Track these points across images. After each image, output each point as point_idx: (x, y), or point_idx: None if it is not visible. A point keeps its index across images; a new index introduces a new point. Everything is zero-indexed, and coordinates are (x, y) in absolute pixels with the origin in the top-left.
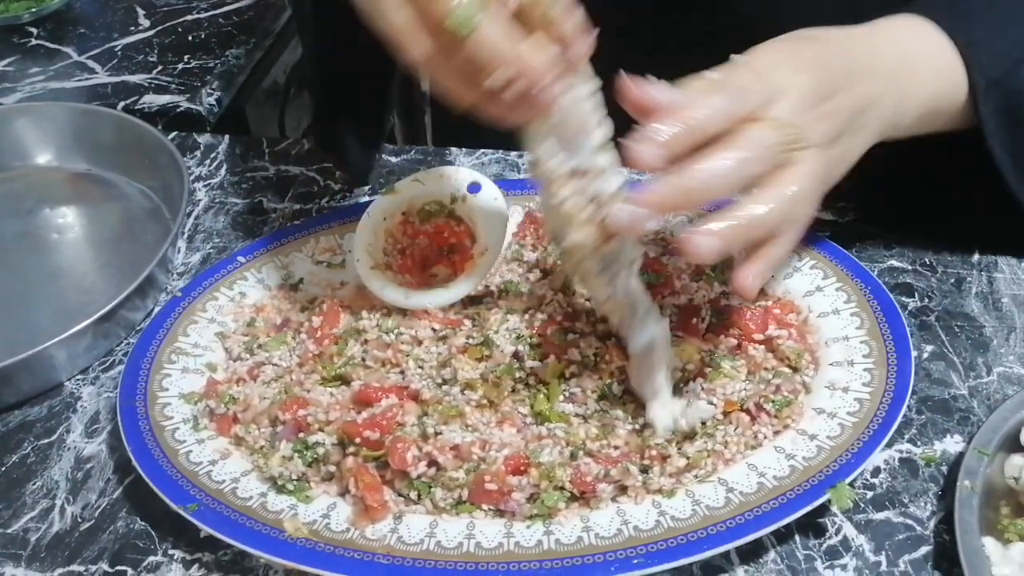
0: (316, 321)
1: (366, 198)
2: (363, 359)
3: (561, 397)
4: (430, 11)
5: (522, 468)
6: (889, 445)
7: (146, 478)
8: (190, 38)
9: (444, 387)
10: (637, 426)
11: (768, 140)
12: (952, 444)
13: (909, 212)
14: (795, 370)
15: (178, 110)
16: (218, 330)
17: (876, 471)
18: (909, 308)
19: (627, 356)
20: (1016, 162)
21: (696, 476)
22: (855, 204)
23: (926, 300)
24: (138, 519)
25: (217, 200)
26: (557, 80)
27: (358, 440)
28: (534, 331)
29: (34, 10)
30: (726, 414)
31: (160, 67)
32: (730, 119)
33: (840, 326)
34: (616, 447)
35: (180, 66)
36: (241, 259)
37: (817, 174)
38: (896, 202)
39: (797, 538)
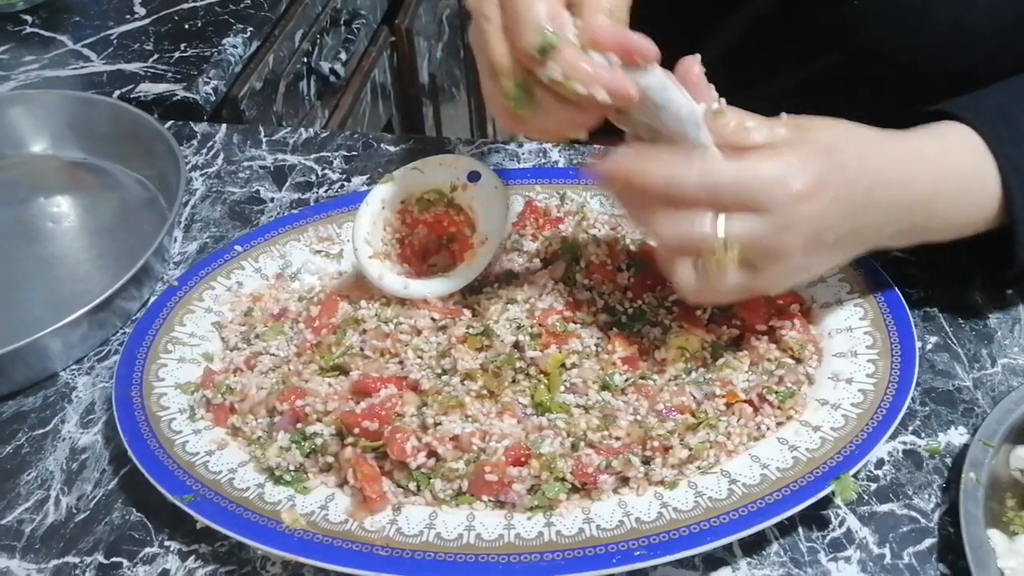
0: (314, 311)
1: (364, 187)
2: (362, 349)
3: (562, 387)
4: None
5: (523, 459)
6: (893, 437)
7: (142, 469)
8: (186, 26)
9: (444, 377)
10: (639, 417)
11: (699, 232)
12: (956, 436)
13: None
14: (798, 361)
15: (174, 99)
16: (215, 320)
17: (880, 463)
18: (913, 299)
19: (629, 345)
20: None
21: (699, 467)
22: None
23: (930, 291)
24: (134, 510)
25: (214, 189)
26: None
27: (356, 430)
28: (535, 321)
29: None
30: (729, 405)
31: (156, 56)
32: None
33: (844, 317)
34: (617, 438)
35: (176, 55)
36: (238, 248)
37: (709, 288)
38: None
39: (800, 530)
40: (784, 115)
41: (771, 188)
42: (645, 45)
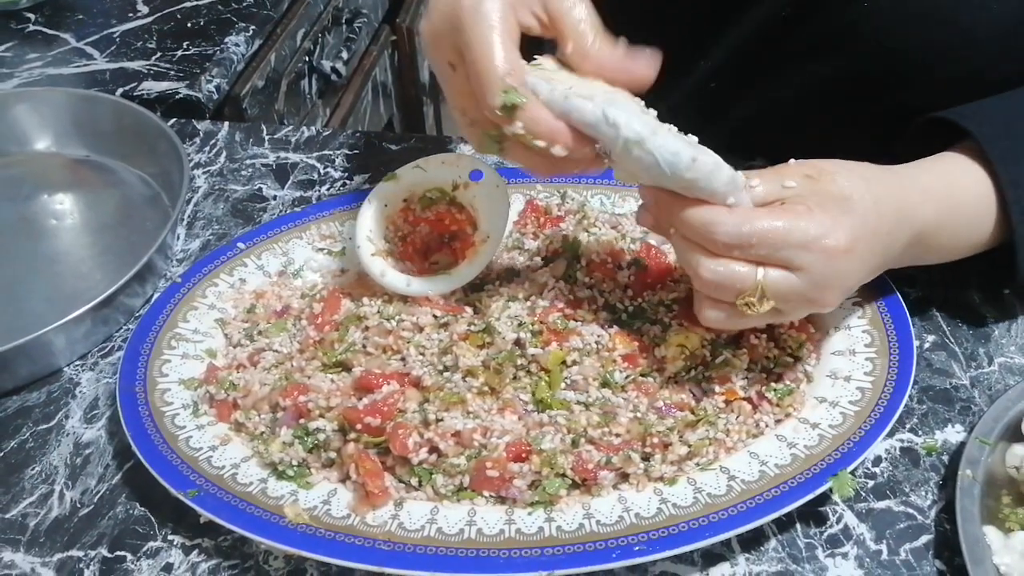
0: (317, 308)
1: (366, 185)
2: (364, 346)
3: (562, 384)
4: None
5: (523, 455)
6: (890, 434)
7: (146, 463)
8: (189, 25)
9: (445, 374)
10: (639, 414)
11: (739, 282)
12: (953, 434)
13: None
14: (797, 359)
15: (177, 97)
16: (218, 316)
17: (877, 460)
18: (911, 297)
19: (629, 343)
20: None
21: (698, 464)
22: None
23: (928, 290)
24: (137, 504)
25: (216, 187)
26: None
27: (359, 426)
28: (536, 318)
29: None
30: (728, 402)
31: (159, 54)
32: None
33: (842, 315)
34: (617, 435)
35: (179, 53)
36: (241, 246)
37: (743, 323)
38: None
39: (798, 526)
40: (792, 161)
41: (808, 249)
42: (644, 70)
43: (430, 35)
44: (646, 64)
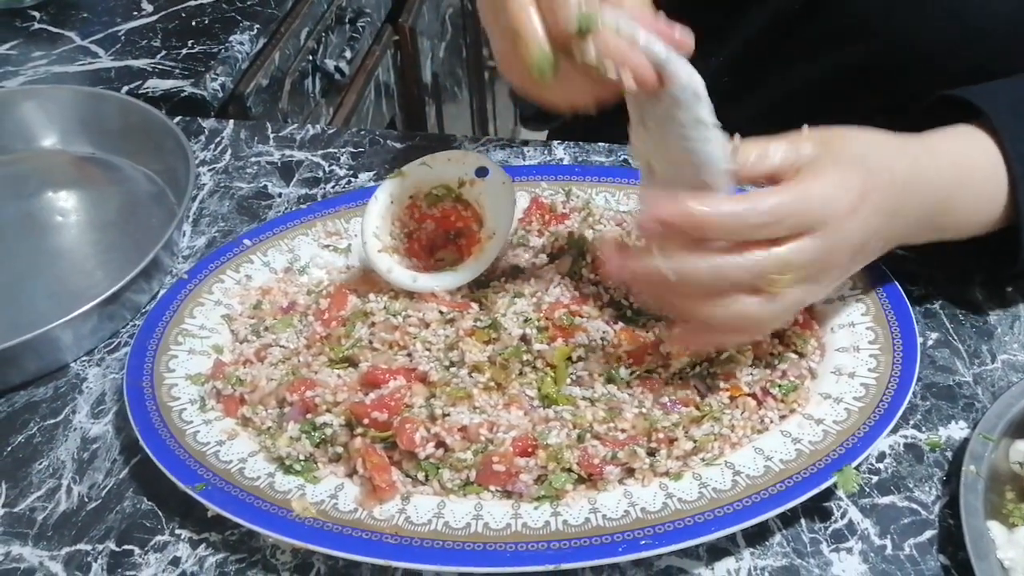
0: (323, 304)
1: (371, 183)
2: (370, 341)
3: (568, 380)
4: (555, 19)
5: (530, 450)
6: (895, 431)
7: (153, 458)
8: (193, 23)
9: (452, 369)
10: (644, 409)
11: (759, 266)
12: (957, 430)
13: None
14: (801, 356)
15: (182, 95)
16: (224, 312)
17: (881, 456)
18: (914, 295)
19: (635, 339)
20: None
21: (703, 459)
22: None
23: (931, 288)
24: (145, 499)
25: (222, 184)
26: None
27: (366, 421)
28: (541, 314)
29: None
30: (733, 398)
31: (164, 52)
32: (743, 238)
33: (846, 312)
34: (623, 430)
35: (184, 51)
36: (247, 242)
37: (775, 313)
38: None
39: (803, 521)
40: (806, 128)
41: (823, 209)
42: (685, 36)
43: None
44: (685, 33)
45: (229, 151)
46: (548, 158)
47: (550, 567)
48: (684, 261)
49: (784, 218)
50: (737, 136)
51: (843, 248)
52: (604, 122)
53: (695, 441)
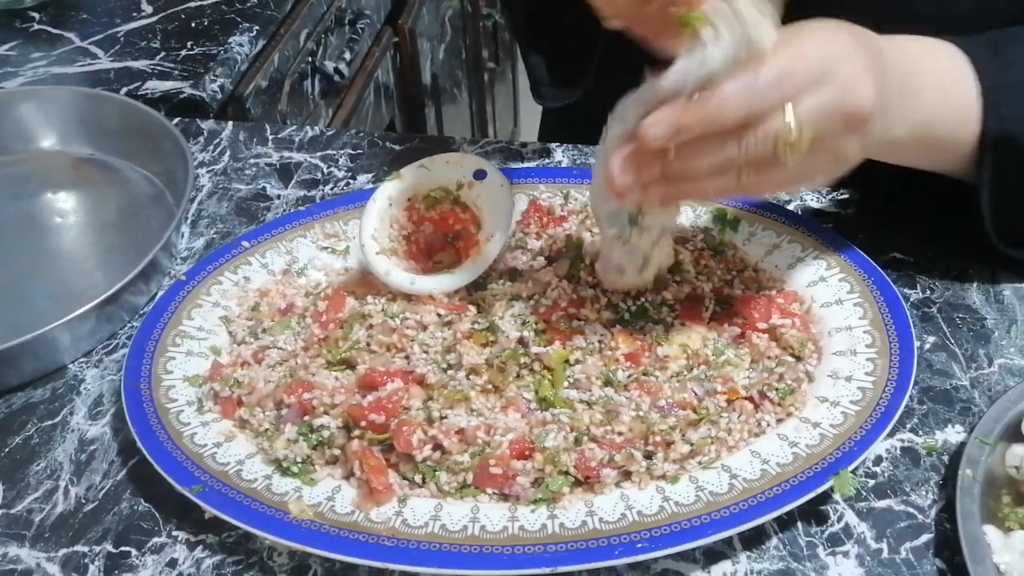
0: (321, 305)
1: (370, 185)
2: (368, 344)
3: (566, 383)
4: None
5: (527, 453)
6: (891, 434)
7: (151, 459)
8: (193, 25)
9: (449, 372)
10: (641, 412)
11: (774, 127)
12: (953, 434)
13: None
14: (798, 359)
15: (181, 96)
16: (222, 314)
17: (878, 460)
18: (911, 299)
19: (632, 342)
20: (999, 221)
21: (700, 462)
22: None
23: (928, 292)
24: (142, 500)
25: (220, 186)
26: None
27: (363, 423)
28: (539, 317)
29: None
30: (730, 402)
31: (163, 53)
32: (749, 115)
33: (843, 316)
34: (620, 433)
35: (183, 53)
36: (245, 244)
37: (785, 179)
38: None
39: (799, 525)
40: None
41: (824, 59)
42: None
43: None
44: None
45: (228, 152)
46: (546, 161)
47: (547, 570)
48: (710, 150)
49: (790, 74)
50: None
51: (857, 89)
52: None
53: (692, 444)
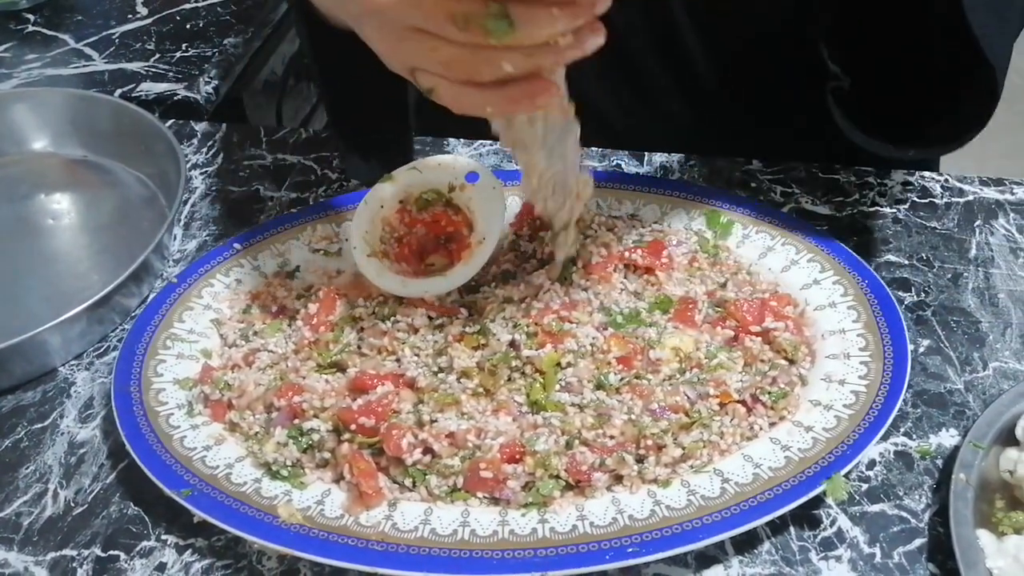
0: (312, 308)
1: (363, 187)
2: (359, 346)
3: (557, 386)
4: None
5: (517, 456)
6: (884, 438)
7: (140, 463)
8: (188, 26)
9: (440, 375)
10: (633, 416)
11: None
12: (947, 438)
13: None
14: (791, 362)
15: (175, 98)
16: (213, 316)
17: (871, 464)
18: (906, 303)
19: (624, 345)
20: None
21: (692, 466)
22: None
23: (923, 295)
24: (131, 504)
25: (214, 188)
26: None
27: (353, 427)
28: (531, 320)
29: None
30: (723, 405)
31: (158, 55)
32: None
33: (837, 319)
34: (611, 436)
35: (178, 54)
36: (237, 246)
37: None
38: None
39: (792, 529)
40: None
41: None
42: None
43: None
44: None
45: (221, 154)
46: None
47: (537, 575)
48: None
49: None
50: None
51: None
52: (593, 128)
53: (684, 448)
